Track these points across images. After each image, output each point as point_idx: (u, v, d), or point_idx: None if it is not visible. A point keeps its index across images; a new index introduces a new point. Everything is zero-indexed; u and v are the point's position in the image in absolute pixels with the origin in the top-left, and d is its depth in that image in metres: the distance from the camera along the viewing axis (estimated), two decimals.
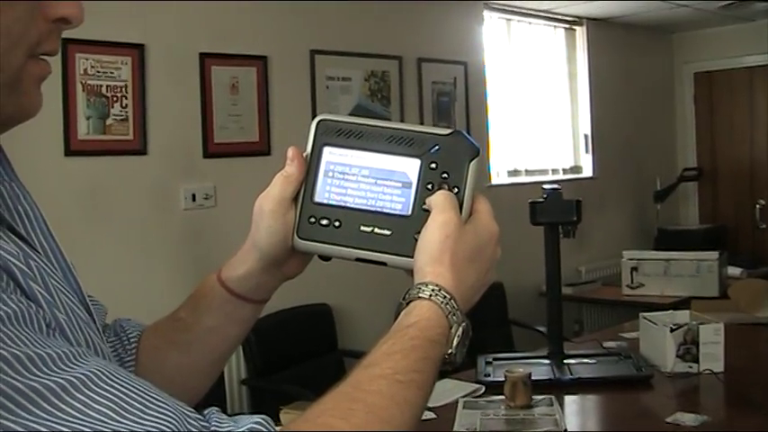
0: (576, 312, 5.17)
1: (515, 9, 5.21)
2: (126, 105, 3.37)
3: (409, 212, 0.79)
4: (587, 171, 5.75)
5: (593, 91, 5.73)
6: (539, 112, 5.40)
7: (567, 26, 5.68)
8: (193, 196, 3.59)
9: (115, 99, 3.34)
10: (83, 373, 0.56)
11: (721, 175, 6.45)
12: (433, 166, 0.79)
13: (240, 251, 0.86)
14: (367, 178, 0.81)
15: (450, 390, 2.25)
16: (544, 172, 5.41)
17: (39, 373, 0.54)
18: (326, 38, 4.12)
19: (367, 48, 4.29)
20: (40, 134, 3.02)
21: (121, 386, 0.57)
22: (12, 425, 0.52)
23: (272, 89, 3.88)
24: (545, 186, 2.63)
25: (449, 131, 0.81)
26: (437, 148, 0.80)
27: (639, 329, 2.64)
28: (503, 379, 2.14)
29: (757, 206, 6.14)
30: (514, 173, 5.21)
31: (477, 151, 0.80)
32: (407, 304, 0.73)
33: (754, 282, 4.47)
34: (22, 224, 0.71)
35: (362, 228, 0.80)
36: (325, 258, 0.84)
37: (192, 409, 0.60)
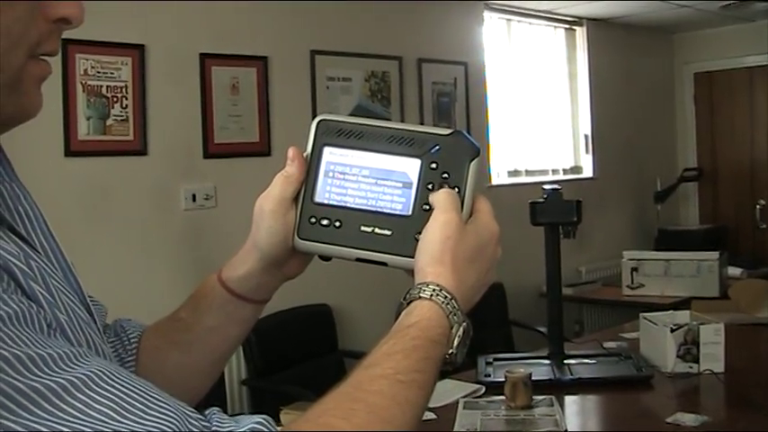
0: (576, 313, 5.17)
1: (515, 9, 5.21)
2: (126, 106, 3.37)
3: (410, 212, 0.79)
4: (587, 171, 5.75)
5: (593, 91, 5.73)
6: (539, 113, 5.40)
7: (568, 26, 5.68)
8: (194, 197, 3.59)
9: (115, 99, 3.34)
10: (84, 374, 0.56)
11: (722, 175, 6.44)
12: (434, 166, 0.79)
13: (240, 251, 0.86)
14: (367, 178, 0.81)
15: (450, 390, 2.25)
16: (544, 172, 5.41)
17: (40, 374, 0.54)
18: (327, 38, 4.12)
19: (367, 48, 4.29)
20: (40, 134, 3.02)
21: (122, 386, 0.57)
22: (13, 425, 0.52)
23: (272, 89, 3.88)
24: (545, 187, 2.63)
25: (449, 131, 0.81)
26: (437, 148, 0.80)
27: (640, 330, 2.64)
28: (503, 379, 2.15)
29: (757, 206, 6.14)
30: (515, 173, 5.21)
31: (478, 151, 0.80)
32: (408, 304, 0.73)
33: (754, 282, 4.47)
34: (23, 224, 0.71)
35: (363, 228, 0.80)
36: (326, 258, 0.84)
37: (193, 410, 0.60)
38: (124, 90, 3.36)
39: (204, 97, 3.63)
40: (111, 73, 3.32)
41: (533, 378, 2.14)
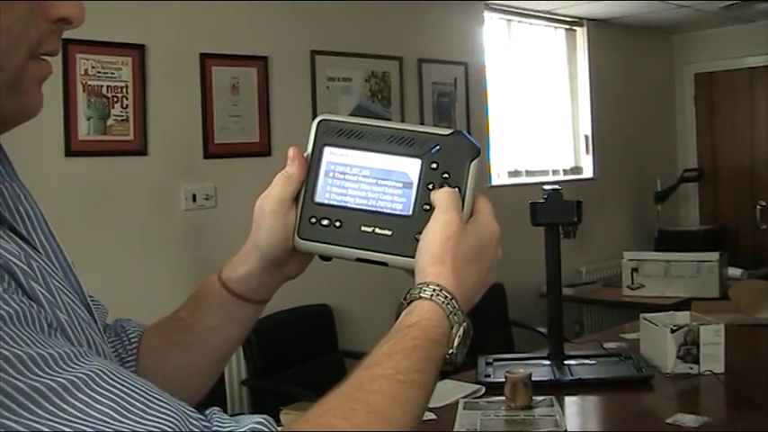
0: (576, 313, 5.17)
1: (516, 10, 5.21)
2: (126, 106, 3.37)
3: (410, 213, 0.79)
4: (588, 172, 5.75)
5: (593, 91, 5.73)
6: (539, 113, 5.40)
7: (568, 27, 5.68)
8: (194, 197, 3.59)
9: (116, 99, 3.34)
10: (84, 373, 0.56)
11: (722, 175, 6.44)
12: (434, 166, 0.79)
13: (241, 251, 0.87)
14: (368, 178, 0.81)
15: (450, 390, 2.25)
16: (545, 173, 5.41)
17: (41, 373, 0.54)
18: (327, 38, 4.12)
19: (367, 48, 4.29)
20: (40, 134, 3.02)
21: (123, 386, 0.57)
22: (14, 425, 0.52)
23: (272, 90, 3.88)
24: (545, 187, 2.63)
25: (449, 131, 0.81)
26: (438, 148, 0.80)
27: (640, 330, 2.64)
28: (503, 380, 2.15)
29: (758, 207, 6.13)
30: (515, 173, 5.21)
31: (478, 151, 0.80)
32: (408, 304, 0.73)
33: (754, 283, 4.47)
34: (23, 224, 0.71)
35: (363, 228, 0.80)
36: (326, 258, 0.84)
37: (194, 410, 0.60)
38: (124, 90, 3.36)
39: (204, 97, 3.63)
40: (112, 73, 3.33)
41: (533, 378, 2.14)
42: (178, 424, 0.57)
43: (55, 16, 0.66)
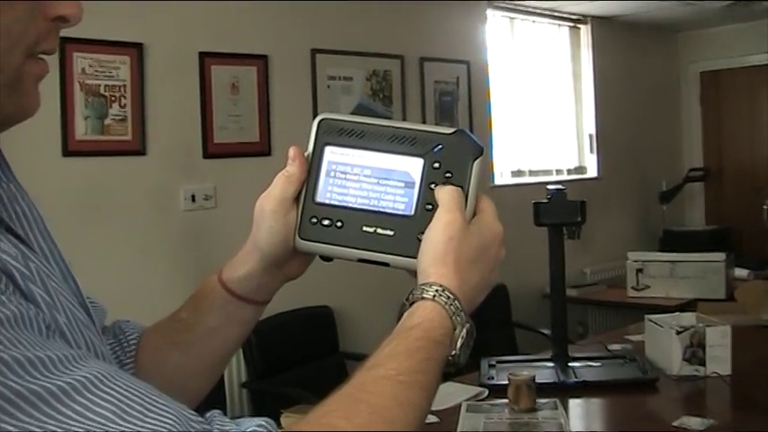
0: (580, 314, 5.16)
1: (519, 7, 5.21)
2: (125, 105, 3.37)
3: (412, 212, 0.79)
4: (592, 171, 5.75)
5: (597, 90, 5.73)
6: (542, 112, 5.40)
7: (572, 25, 5.68)
8: (193, 197, 3.59)
9: (114, 99, 3.34)
10: (83, 376, 0.56)
11: (728, 175, 6.44)
12: (437, 165, 0.79)
13: (241, 252, 0.87)
14: (369, 178, 0.81)
15: (452, 393, 2.25)
16: (548, 172, 5.41)
17: (39, 376, 0.54)
18: (327, 37, 4.12)
19: (368, 47, 4.29)
20: (37, 134, 3.02)
21: (122, 389, 0.57)
22: (12, 428, 0.52)
23: (272, 89, 3.88)
24: (549, 187, 2.63)
25: (452, 130, 0.81)
26: (440, 147, 0.80)
27: (645, 332, 2.64)
28: (506, 382, 2.14)
29: (764, 207, 6.12)
30: (518, 173, 5.21)
31: (481, 150, 0.80)
32: (411, 305, 0.73)
33: (761, 283, 4.45)
34: (21, 225, 0.71)
35: (365, 228, 0.80)
36: (327, 259, 0.84)
37: (194, 412, 0.60)
38: (123, 89, 3.36)
39: (204, 97, 3.63)
40: (110, 72, 3.33)
41: (537, 381, 2.14)
42: (178, 427, 0.57)
43: (53, 15, 0.66)
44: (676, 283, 4.49)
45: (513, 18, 5.24)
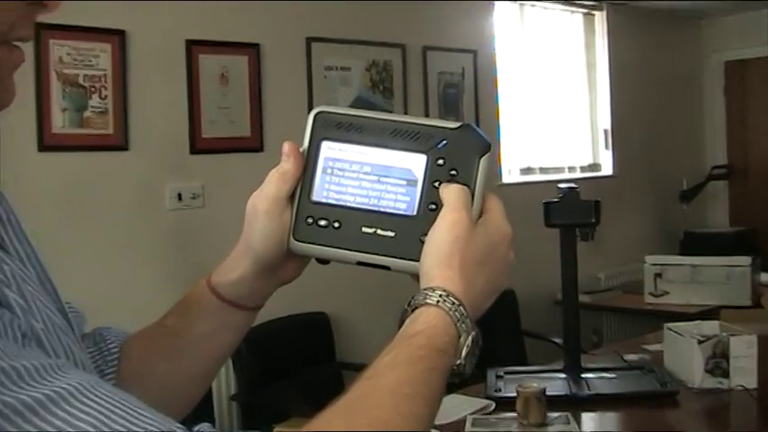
0: (594, 322, 5.17)
1: None
2: (105, 97, 3.37)
3: (414, 212, 0.80)
4: (607, 169, 5.76)
5: (613, 82, 5.74)
6: (554, 105, 5.41)
7: (586, 11, 5.68)
8: (179, 196, 3.60)
9: (93, 90, 3.34)
10: (62, 387, 0.56)
11: (753, 173, 6.44)
12: (441, 162, 0.80)
13: (232, 254, 0.87)
14: (369, 175, 0.81)
15: (457, 406, 2.25)
16: (560, 170, 5.42)
17: (14, 388, 0.54)
18: (324, 24, 4.13)
19: (368, 35, 4.30)
20: (11, 128, 3.02)
21: (104, 401, 0.57)
22: None
23: (265, 80, 3.89)
24: (561, 185, 2.64)
25: (457, 125, 0.81)
26: (445, 142, 0.80)
27: (664, 341, 2.64)
28: (515, 394, 2.15)
29: None
30: (527, 171, 5.22)
31: (488, 146, 0.80)
32: (413, 311, 0.73)
33: None
34: None
35: (364, 229, 0.81)
36: (324, 262, 0.84)
37: (181, 425, 0.60)
38: (103, 79, 3.37)
39: (191, 88, 3.63)
40: (89, 61, 3.33)
41: (547, 393, 2.14)
42: None
43: None
44: (698, 289, 4.50)
45: (522, 4, 5.24)
